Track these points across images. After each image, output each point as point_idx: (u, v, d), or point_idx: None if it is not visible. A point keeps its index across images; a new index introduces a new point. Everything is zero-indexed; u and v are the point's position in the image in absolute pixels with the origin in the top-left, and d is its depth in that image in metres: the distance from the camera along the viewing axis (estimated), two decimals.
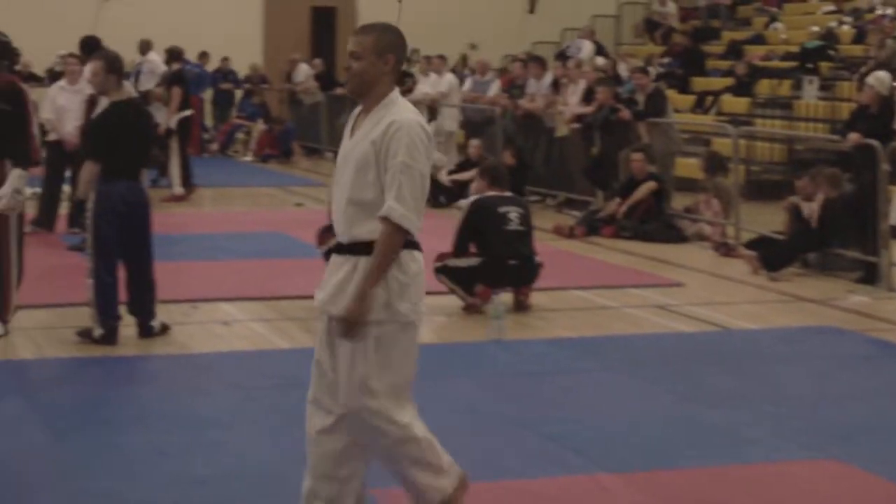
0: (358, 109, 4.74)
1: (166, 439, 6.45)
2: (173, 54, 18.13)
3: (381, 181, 4.55)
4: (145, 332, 8.62)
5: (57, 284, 10.50)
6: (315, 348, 4.82)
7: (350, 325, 4.56)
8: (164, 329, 8.71)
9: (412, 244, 4.66)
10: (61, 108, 13.00)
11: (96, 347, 8.33)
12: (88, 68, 12.53)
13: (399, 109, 4.62)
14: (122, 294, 8.56)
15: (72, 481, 5.77)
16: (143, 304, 8.61)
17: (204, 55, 23.76)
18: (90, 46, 12.94)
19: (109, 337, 8.38)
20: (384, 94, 4.64)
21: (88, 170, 8.37)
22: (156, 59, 19.02)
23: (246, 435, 6.56)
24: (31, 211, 13.64)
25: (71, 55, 13.45)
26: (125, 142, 8.38)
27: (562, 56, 21.06)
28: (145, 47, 19.67)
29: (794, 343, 9.15)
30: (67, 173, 13.22)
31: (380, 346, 4.61)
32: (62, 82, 13.37)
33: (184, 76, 17.55)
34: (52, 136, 13.28)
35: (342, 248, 4.67)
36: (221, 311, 9.54)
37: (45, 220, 13.17)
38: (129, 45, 22.22)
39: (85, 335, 8.43)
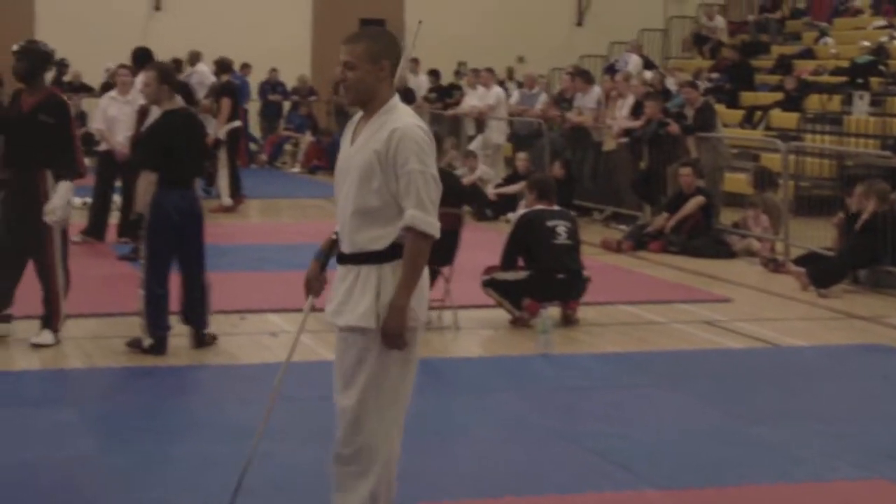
0: (357, 116, 4.70)
1: (215, 449, 6.48)
2: (223, 66, 18.22)
3: (388, 189, 4.51)
4: (198, 341, 8.66)
5: (107, 294, 10.59)
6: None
7: (393, 338, 4.55)
8: (213, 339, 8.76)
9: None
10: (112, 119, 13.10)
11: (146, 357, 8.39)
12: (141, 79, 12.68)
13: (399, 115, 4.57)
14: (174, 304, 8.60)
15: (122, 491, 5.80)
16: (196, 313, 8.65)
17: (246, 66, 23.85)
18: (142, 58, 13.04)
19: (159, 347, 8.43)
20: (385, 100, 4.59)
21: (146, 180, 8.41)
22: (204, 69, 19.19)
23: (293, 446, 6.58)
24: (81, 220, 13.80)
25: (122, 66, 13.55)
26: (178, 151, 8.42)
27: (610, 70, 21.03)
28: (194, 58, 19.85)
29: (844, 361, 9.07)
30: (117, 183, 13.31)
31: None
32: (113, 93, 13.46)
33: (233, 87, 17.66)
34: (102, 147, 13.39)
35: (345, 258, 4.65)
36: (269, 322, 9.58)
37: (95, 229, 13.27)
38: (177, 56, 22.52)
39: (135, 345, 8.49)
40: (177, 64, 18.33)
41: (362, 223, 4.56)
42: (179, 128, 8.55)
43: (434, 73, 25.00)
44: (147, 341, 8.41)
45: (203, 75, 18.93)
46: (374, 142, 4.51)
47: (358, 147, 4.58)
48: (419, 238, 4.49)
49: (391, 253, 4.55)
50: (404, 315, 4.52)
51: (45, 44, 8.96)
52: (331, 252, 4.79)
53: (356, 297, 4.57)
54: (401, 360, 4.62)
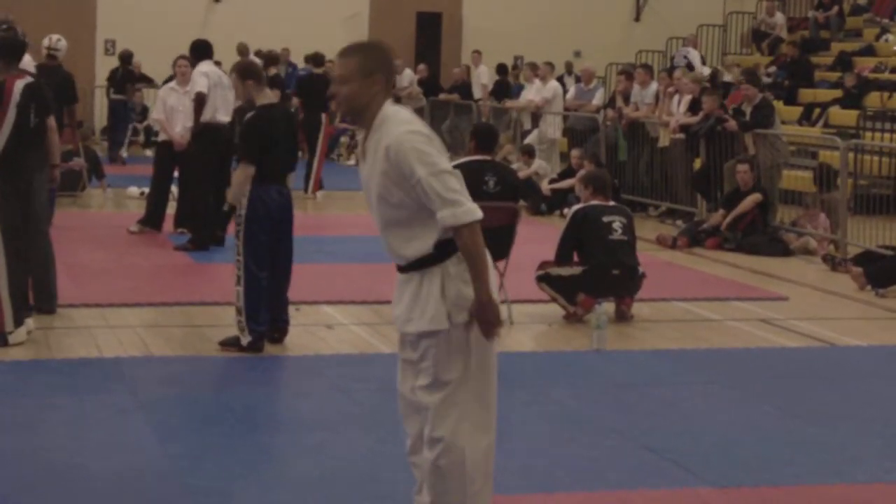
0: (363, 133, 4.64)
1: (270, 440, 6.53)
2: (269, 59, 18.29)
3: (410, 198, 4.45)
4: (281, 334, 8.58)
5: (163, 284, 10.68)
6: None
7: (491, 329, 4.49)
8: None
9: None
10: (171, 109, 13.18)
11: (202, 347, 8.45)
12: (202, 68, 12.79)
13: (389, 128, 4.48)
14: None
15: (179, 479, 5.85)
16: (283, 309, 8.56)
17: (314, 58, 23.87)
18: (200, 50, 13.10)
19: (257, 343, 8.29)
20: (376, 113, 4.54)
21: (243, 173, 8.30)
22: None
23: (348, 438, 6.60)
24: (139, 210, 13.93)
25: (181, 57, 13.65)
26: (274, 146, 8.30)
27: (670, 69, 20.92)
28: (242, 51, 20.04)
29: None
30: (175, 173, 13.40)
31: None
32: (172, 83, 13.54)
33: (281, 81, 17.75)
34: (161, 137, 13.48)
35: (404, 268, 4.62)
36: (324, 314, 9.62)
37: (153, 219, 13.37)
38: (234, 49, 22.65)
39: (231, 343, 8.34)
40: (270, 58, 18.40)
41: (399, 234, 4.55)
42: (274, 122, 8.44)
43: (501, 69, 24.70)
44: (245, 339, 8.26)
45: None
46: (378, 162, 4.48)
47: (369, 167, 4.56)
48: (467, 231, 4.42)
49: (443, 251, 4.51)
50: (490, 306, 4.46)
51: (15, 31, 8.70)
52: None
53: (422, 301, 4.52)
54: (479, 357, 4.55)
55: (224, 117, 12.93)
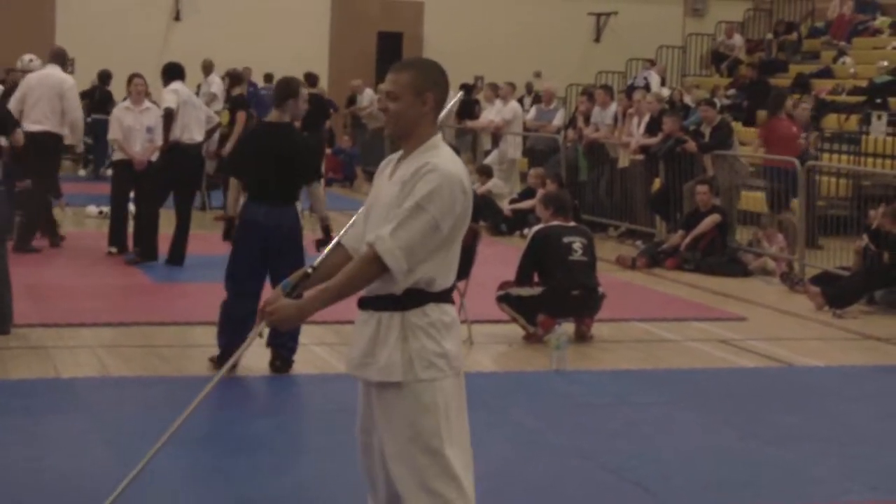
0: (398, 154, 4.32)
1: (228, 461, 6.48)
2: (234, 78, 18.22)
3: None
4: (283, 363, 8.41)
5: (122, 303, 10.62)
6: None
7: (280, 320, 4.23)
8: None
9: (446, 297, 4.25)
10: (128, 129, 13.04)
11: (161, 367, 8.39)
12: (167, 89, 12.75)
13: (440, 154, 4.20)
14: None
15: (135, 501, 5.79)
16: (283, 336, 8.27)
17: (270, 78, 23.91)
18: (172, 72, 13.09)
19: (220, 358, 8.18)
20: (426, 136, 4.24)
21: (233, 186, 8.35)
22: (216, 80, 19.38)
23: (306, 458, 6.57)
24: (102, 230, 13.79)
25: (137, 76, 13.54)
26: (260, 163, 8.18)
27: (630, 90, 21.04)
28: (208, 69, 20.05)
29: (861, 381, 9.04)
30: (131, 193, 13.32)
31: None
32: (127, 103, 13.41)
33: (246, 101, 17.68)
34: (117, 156, 13.35)
35: (364, 302, 4.25)
36: None
37: (119, 239, 13.20)
38: (196, 67, 22.56)
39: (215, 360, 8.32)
40: (234, 77, 18.28)
41: None
42: (264, 141, 8.32)
43: (465, 88, 24.68)
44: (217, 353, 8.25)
45: (215, 86, 19.10)
46: (403, 177, 4.18)
47: (387, 181, 4.26)
48: (372, 260, 4.08)
49: (414, 298, 4.16)
50: (300, 314, 4.20)
51: None
52: (299, 285, 4.28)
53: (379, 346, 4.18)
54: (440, 411, 4.18)
55: (196, 136, 12.94)
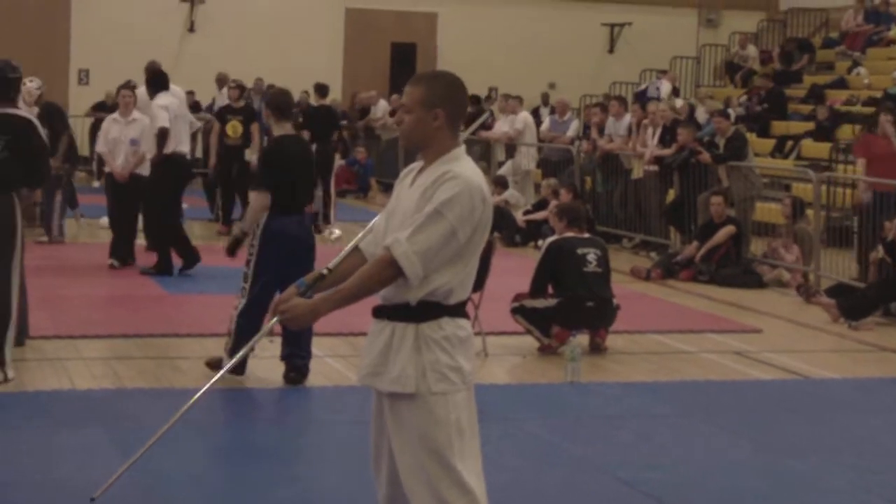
0: (419, 164, 4.33)
1: (244, 472, 6.48)
2: (241, 90, 18.28)
3: None
4: (298, 374, 8.43)
5: (137, 315, 10.63)
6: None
7: (293, 318, 4.22)
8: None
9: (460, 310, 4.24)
10: (113, 141, 12.93)
11: (175, 379, 8.40)
12: (156, 105, 12.68)
13: (462, 164, 4.20)
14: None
15: None
16: (300, 344, 8.37)
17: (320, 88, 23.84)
18: (157, 82, 12.99)
19: (239, 367, 8.21)
20: (444, 150, 4.23)
21: (258, 202, 8.29)
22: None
23: (321, 470, 6.57)
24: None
25: (125, 87, 13.47)
26: (290, 175, 8.32)
27: (641, 97, 21.03)
28: (222, 82, 20.08)
29: (876, 393, 9.01)
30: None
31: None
32: (115, 114, 13.28)
33: (253, 112, 17.70)
34: (108, 168, 13.17)
35: (379, 311, 4.26)
36: None
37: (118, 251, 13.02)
38: (210, 78, 22.64)
39: (215, 365, 8.31)
40: (241, 89, 18.32)
41: None
42: (290, 153, 8.47)
43: (474, 99, 24.72)
44: (227, 360, 8.12)
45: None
46: (424, 186, 4.19)
47: (407, 191, 4.27)
48: (388, 264, 4.09)
49: (430, 310, 4.16)
50: (314, 314, 4.21)
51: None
52: (314, 285, 4.29)
53: (392, 356, 4.18)
54: (452, 424, 4.17)
55: (184, 148, 12.96)
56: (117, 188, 12.99)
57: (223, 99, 19.98)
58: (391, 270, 4.09)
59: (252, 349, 5.02)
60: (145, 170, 12.87)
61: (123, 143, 12.91)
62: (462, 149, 4.29)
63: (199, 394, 4.83)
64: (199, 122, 16.14)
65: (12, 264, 8.06)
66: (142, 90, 13.54)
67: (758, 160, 17.25)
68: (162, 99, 12.77)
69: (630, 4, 27.80)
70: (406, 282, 4.11)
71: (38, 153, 8.20)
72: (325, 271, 4.33)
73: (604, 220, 16.59)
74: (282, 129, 8.64)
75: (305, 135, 17.55)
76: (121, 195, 12.98)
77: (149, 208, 12.89)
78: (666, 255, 14.74)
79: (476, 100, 24.69)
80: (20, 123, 8.16)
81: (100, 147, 13.14)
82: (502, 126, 20.43)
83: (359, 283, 4.14)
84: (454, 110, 4.25)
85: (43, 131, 8.41)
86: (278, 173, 8.29)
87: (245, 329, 8.10)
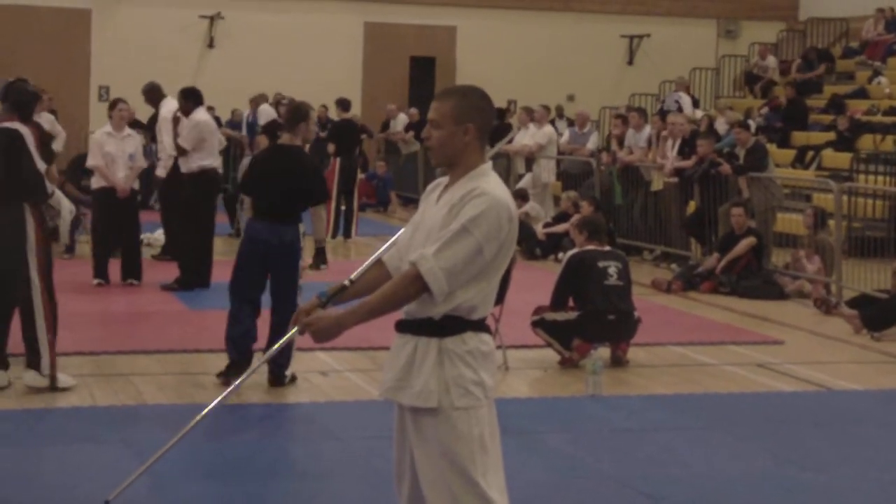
0: (445, 179, 4.33)
1: (265, 489, 6.48)
2: (257, 103, 18.44)
3: None
4: (277, 380, 8.64)
5: (157, 331, 10.63)
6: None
7: (318, 331, 4.21)
8: (293, 380, 8.74)
9: (482, 326, 4.25)
10: (109, 155, 12.85)
11: (196, 394, 8.41)
12: (192, 120, 12.76)
13: (489, 181, 4.20)
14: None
15: None
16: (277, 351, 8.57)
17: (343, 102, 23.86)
18: (194, 97, 13.04)
19: (228, 369, 8.60)
20: (474, 164, 4.23)
21: (317, 215, 8.80)
22: (269, 110, 19.54)
23: (342, 486, 6.56)
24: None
25: (121, 101, 13.45)
26: (265, 183, 8.69)
27: (662, 112, 20.99)
28: (260, 100, 20.37)
29: None
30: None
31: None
32: (107, 128, 13.17)
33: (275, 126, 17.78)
34: (98, 184, 12.95)
35: (402, 325, 4.27)
36: (319, 361, 9.58)
37: (102, 271, 12.87)
38: (229, 93, 22.72)
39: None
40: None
41: None
42: (271, 162, 8.88)
43: (499, 113, 24.74)
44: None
45: (266, 115, 19.22)
46: (451, 202, 4.18)
47: (433, 207, 4.27)
48: (414, 279, 4.09)
49: (453, 325, 4.17)
50: (339, 328, 4.19)
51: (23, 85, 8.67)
52: (335, 296, 4.35)
53: (415, 371, 4.19)
54: (475, 439, 4.17)
55: (216, 162, 13.08)
56: (110, 203, 12.81)
57: (263, 116, 19.79)
58: (417, 286, 4.10)
59: (271, 356, 5.10)
60: (136, 184, 13.20)
61: (122, 158, 12.89)
62: (489, 165, 4.29)
63: (213, 403, 4.85)
64: (224, 141, 16.21)
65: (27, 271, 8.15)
66: (168, 107, 13.58)
67: (778, 171, 17.20)
68: (199, 114, 12.82)
69: (649, 16, 27.79)
70: (431, 297, 4.11)
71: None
72: (346, 283, 4.36)
73: (624, 233, 16.56)
74: (283, 138, 9.01)
75: (330, 148, 17.68)
76: (113, 210, 12.80)
77: (186, 223, 12.89)
78: (687, 267, 14.69)
79: (501, 113, 24.75)
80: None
81: (94, 161, 12.91)
82: (522, 138, 20.41)
83: (384, 297, 4.15)
84: (484, 125, 4.26)
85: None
86: (254, 181, 8.85)
87: (228, 330, 8.71)
